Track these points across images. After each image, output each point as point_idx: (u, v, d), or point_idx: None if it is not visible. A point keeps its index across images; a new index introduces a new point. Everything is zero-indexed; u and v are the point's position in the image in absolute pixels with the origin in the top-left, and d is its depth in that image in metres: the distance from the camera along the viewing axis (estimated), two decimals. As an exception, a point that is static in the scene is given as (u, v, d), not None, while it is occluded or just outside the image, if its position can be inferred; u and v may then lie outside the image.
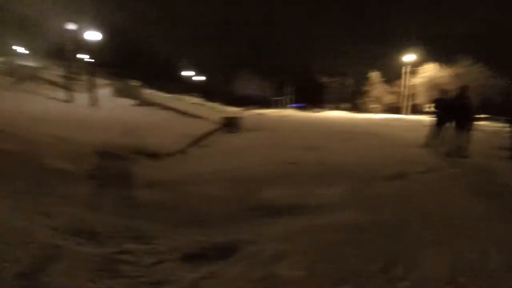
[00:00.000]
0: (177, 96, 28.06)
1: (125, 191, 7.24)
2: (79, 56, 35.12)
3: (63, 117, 14.21)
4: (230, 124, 17.84)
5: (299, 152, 11.89)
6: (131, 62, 56.48)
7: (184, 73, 61.80)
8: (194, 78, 62.30)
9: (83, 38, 20.59)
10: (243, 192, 7.41)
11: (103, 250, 4.10)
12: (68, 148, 9.94)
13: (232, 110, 29.58)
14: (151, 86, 26.70)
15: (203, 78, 64.81)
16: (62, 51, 20.35)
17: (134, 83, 22.76)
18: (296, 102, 68.46)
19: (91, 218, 5.27)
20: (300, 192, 7.09)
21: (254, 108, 41.81)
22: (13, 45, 37.22)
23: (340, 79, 67.87)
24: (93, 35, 19.80)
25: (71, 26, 19.30)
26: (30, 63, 30.52)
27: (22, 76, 23.39)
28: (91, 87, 18.74)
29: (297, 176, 8.69)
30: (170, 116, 18.19)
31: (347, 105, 62.49)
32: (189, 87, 52.20)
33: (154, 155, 10.74)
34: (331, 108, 56.99)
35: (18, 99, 17.75)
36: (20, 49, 38.15)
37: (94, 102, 18.21)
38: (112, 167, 9.13)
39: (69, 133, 11.55)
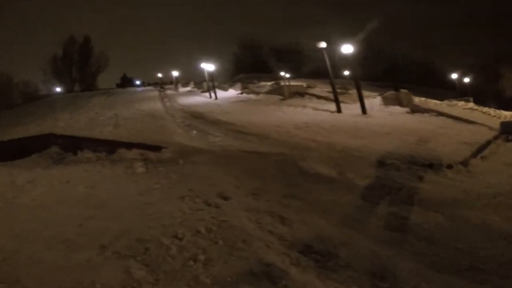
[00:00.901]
0: (446, 101, 25.60)
1: (392, 208, 5.86)
2: (343, 73, 37.16)
3: (329, 125, 13.84)
4: (509, 131, 15.11)
5: None
6: (393, 72, 55.69)
7: (449, 77, 56.91)
8: (460, 81, 56.23)
9: (339, 53, 20.65)
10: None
11: (324, 284, 3.22)
12: (333, 153, 9.22)
13: (508, 114, 25.16)
14: (418, 93, 25.36)
15: (467, 79, 57.90)
16: (324, 69, 20.65)
17: (402, 91, 21.79)
18: None
19: (335, 235, 4.45)
20: None
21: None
22: (280, 71, 44.63)
23: None
24: (347, 49, 19.50)
25: (322, 45, 19.34)
26: (296, 83, 32.48)
27: (288, 94, 25.55)
28: (359, 98, 18.50)
29: None
30: (445, 123, 16.22)
31: None
32: (457, 91, 47.32)
33: (431, 166, 8.80)
34: None
35: (285, 112, 18.87)
36: (285, 74, 44.25)
37: (363, 111, 17.83)
38: (383, 177, 7.56)
39: (336, 139, 11.00)
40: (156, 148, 9.72)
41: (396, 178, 7.37)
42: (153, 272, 3.32)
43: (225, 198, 5.54)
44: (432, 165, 8.99)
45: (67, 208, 5.45)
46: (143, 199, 5.59)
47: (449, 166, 9.30)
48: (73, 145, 10.60)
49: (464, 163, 9.69)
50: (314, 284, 3.16)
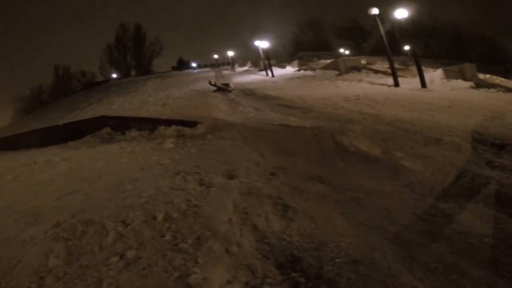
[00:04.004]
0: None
1: (447, 204, 4.04)
2: (404, 48, 35.00)
3: (382, 98, 12.42)
4: None
5: None
6: (457, 49, 52.05)
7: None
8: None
9: (395, 19, 19.03)
10: None
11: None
12: (380, 127, 7.83)
13: None
14: (482, 70, 23.31)
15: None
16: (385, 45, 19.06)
17: (466, 65, 19.86)
18: None
19: (349, 244, 3.13)
20: None
21: None
22: (340, 48, 44.42)
23: None
24: (401, 13, 17.81)
25: (374, 11, 17.72)
26: (353, 58, 31.18)
27: (345, 68, 24.27)
28: (418, 71, 16.91)
29: None
30: (514, 99, 15.23)
31: None
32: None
33: (503, 147, 6.83)
34: None
35: (338, 86, 17.75)
36: (344, 51, 41.44)
37: (423, 85, 16.14)
38: (439, 158, 5.83)
39: (387, 112, 9.66)
40: (192, 124, 9.61)
41: (456, 161, 5.72)
42: (69, 263, 2.80)
43: (230, 177, 4.81)
44: (505, 146, 7.45)
45: (67, 182, 5.28)
46: (137, 175, 5.13)
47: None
48: (122, 125, 10.99)
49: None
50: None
